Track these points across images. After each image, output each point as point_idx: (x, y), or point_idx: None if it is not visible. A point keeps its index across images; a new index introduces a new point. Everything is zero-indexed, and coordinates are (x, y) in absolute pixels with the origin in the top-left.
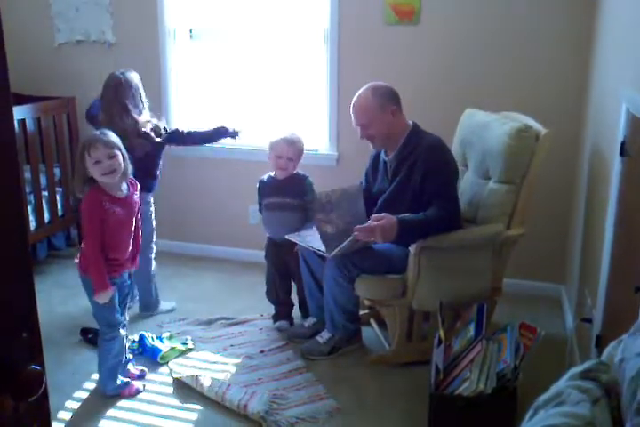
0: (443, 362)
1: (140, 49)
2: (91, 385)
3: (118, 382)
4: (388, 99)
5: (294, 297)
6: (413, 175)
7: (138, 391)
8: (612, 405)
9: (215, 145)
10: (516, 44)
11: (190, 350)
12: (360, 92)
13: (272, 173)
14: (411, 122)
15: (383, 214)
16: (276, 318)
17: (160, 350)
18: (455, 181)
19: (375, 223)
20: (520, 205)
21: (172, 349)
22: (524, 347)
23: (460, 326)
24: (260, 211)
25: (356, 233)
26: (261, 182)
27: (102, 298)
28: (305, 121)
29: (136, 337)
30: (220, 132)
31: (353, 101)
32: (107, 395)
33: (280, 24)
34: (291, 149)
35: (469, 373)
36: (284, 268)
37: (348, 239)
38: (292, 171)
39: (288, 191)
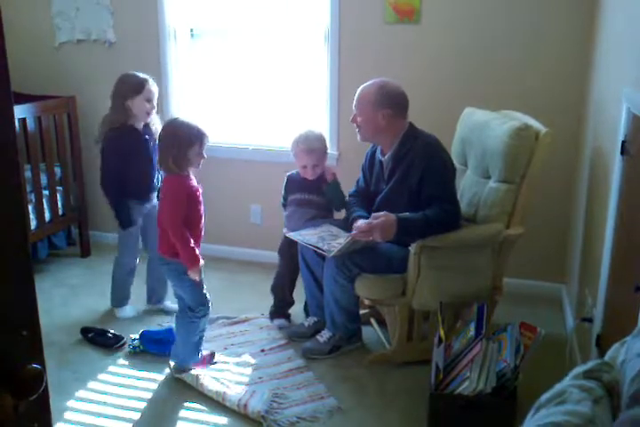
0: (443, 361)
1: (140, 48)
2: (91, 384)
3: (199, 355)
4: (387, 102)
5: (296, 296)
6: (410, 176)
7: (212, 358)
8: (613, 404)
9: (215, 145)
10: (517, 43)
11: None
12: (371, 81)
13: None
14: (407, 122)
15: (382, 213)
16: (273, 315)
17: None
18: (453, 181)
19: (374, 222)
20: (520, 205)
21: None
22: (524, 346)
23: (461, 326)
24: (284, 206)
25: (354, 232)
26: (289, 177)
27: (195, 272)
28: (305, 120)
29: (134, 336)
30: None
31: (361, 86)
32: (188, 367)
33: (280, 23)
34: (312, 157)
35: (469, 372)
36: (295, 266)
37: (347, 239)
38: (321, 172)
39: (314, 189)
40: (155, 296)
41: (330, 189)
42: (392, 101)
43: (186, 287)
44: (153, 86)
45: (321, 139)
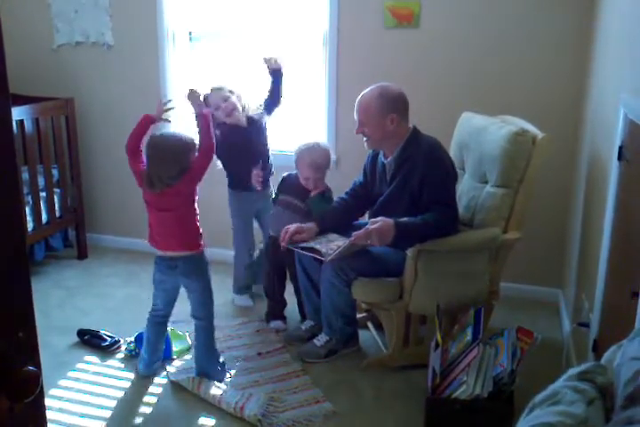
0: (440, 366)
1: (139, 51)
2: (87, 386)
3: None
4: (392, 106)
5: (288, 297)
6: (411, 179)
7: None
8: (606, 406)
9: None
10: (515, 49)
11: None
12: (370, 89)
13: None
14: (411, 125)
15: (379, 218)
16: (269, 317)
17: (170, 345)
18: (453, 185)
19: (372, 227)
20: (517, 209)
21: (174, 341)
22: (521, 351)
23: (458, 330)
24: (274, 202)
25: (352, 238)
26: (285, 178)
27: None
28: (304, 123)
29: (129, 338)
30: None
31: (360, 95)
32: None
33: (279, 27)
34: (317, 172)
35: (466, 377)
36: (281, 267)
37: (345, 244)
38: (322, 184)
39: (304, 195)
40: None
41: (311, 203)
42: (397, 105)
43: (206, 282)
44: (213, 97)
45: (328, 155)
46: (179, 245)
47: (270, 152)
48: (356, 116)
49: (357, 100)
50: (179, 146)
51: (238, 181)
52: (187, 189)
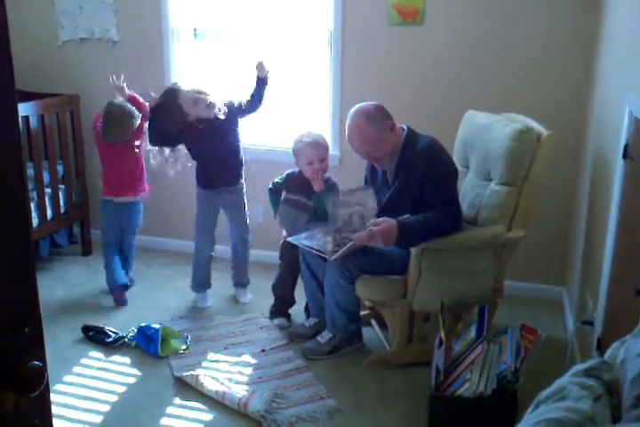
0: (443, 363)
1: (143, 47)
2: (91, 382)
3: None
4: (382, 118)
5: (297, 296)
6: (411, 180)
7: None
8: (613, 403)
9: None
10: (520, 46)
11: (187, 348)
12: (351, 121)
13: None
14: (404, 126)
15: (382, 219)
16: (273, 314)
17: (157, 343)
18: (454, 182)
19: (375, 229)
20: (521, 207)
21: (169, 339)
22: (525, 349)
23: (462, 328)
24: (270, 190)
25: (356, 240)
26: (289, 176)
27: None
28: (308, 121)
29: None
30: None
31: (349, 134)
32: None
33: (284, 24)
34: (318, 152)
35: (470, 374)
36: (295, 267)
37: (349, 244)
38: (327, 168)
39: (310, 191)
40: (233, 280)
41: (316, 200)
42: (383, 115)
43: (140, 218)
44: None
45: (324, 138)
46: (133, 190)
47: (241, 145)
48: (358, 151)
49: (352, 139)
50: (132, 110)
51: (208, 180)
52: (135, 143)
